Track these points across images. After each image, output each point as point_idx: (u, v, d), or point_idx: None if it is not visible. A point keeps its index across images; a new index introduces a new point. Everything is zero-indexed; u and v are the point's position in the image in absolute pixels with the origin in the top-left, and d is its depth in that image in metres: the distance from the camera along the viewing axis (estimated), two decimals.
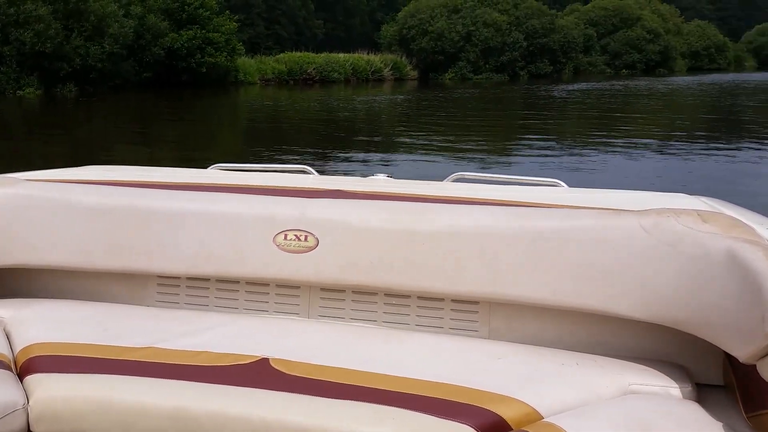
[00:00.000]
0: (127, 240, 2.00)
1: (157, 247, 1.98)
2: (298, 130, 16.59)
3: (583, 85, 35.23)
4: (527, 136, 13.99)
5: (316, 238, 1.89)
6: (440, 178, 2.59)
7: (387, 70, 41.39)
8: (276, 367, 1.62)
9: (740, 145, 12.05)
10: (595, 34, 54.83)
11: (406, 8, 47.94)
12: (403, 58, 43.88)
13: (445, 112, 20.99)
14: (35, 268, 2.08)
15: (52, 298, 2.11)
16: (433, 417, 1.42)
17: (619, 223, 1.70)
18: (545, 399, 1.50)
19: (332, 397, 1.50)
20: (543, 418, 1.45)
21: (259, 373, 1.59)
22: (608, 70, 54.57)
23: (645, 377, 1.61)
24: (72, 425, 1.54)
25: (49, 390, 1.57)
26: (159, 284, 2.07)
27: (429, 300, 1.89)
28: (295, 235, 1.90)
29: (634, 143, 12.46)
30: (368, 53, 42.31)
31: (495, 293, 1.78)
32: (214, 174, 2.53)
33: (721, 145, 12.03)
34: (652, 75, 52.42)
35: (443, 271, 1.81)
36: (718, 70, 66.28)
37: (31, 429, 1.56)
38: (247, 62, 35.41)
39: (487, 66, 45.31)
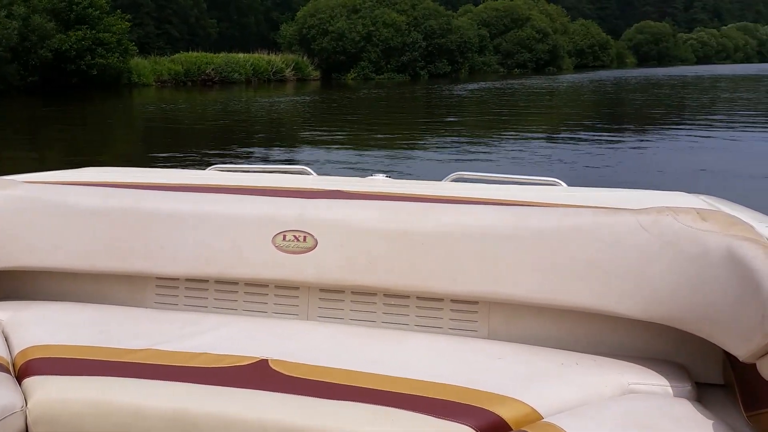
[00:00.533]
0: (126, 242, 1.98)
1: (156, 249, 1.96)
2: (197, 132, 15.93)
3: (482, 84, 36.18)
4: (435, 131, 14.52)
5: (315, 239, 1.88)
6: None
7: (289, 70, 40.81)
8: (275, 368, 1.61)
9: (622, 135, 13.28)
10: (488, 35, 56.42)
11: (305, 8, 47.51)
12: (305, 58, 43.42)
13: (356, 111, 20.94)
14: (34, 270, 2.06)
15: (50, 300, 2.09)
16: (432, 417, 1.42)
17: (618, 222, 1.69)
18: (545, 399, 1.49)
19: (332, 398, 1.49)
20: (542, 418, 1.45)
21: (258, 375, 1.59)
22: (501, 70, 56.40)
23: (644, 376, 1.60)
24: (70, 427, 1.53)
25: (48, 392, 1.56)
26: (158, 286, 2.06)
27: (428, 300, 1.88)
28: (294, 236, 1.89)
29: (526, 135, 13.54)
30: (269, 53, 41.54)
31: (494, 293, 1.77)
32: (212, 175, 2.51)
33: (605, 136, 13.31)
34: (542, 73, 54.57)
35: (442, 271, 1.80)
36: (602, 67, 70.02)
37: (30, 431, 1.55)
38: (141, 63, 33.92)
39: (389, 66, 45.70)
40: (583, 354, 1.72)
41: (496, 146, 12.19)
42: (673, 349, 1.74)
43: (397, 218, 1.86)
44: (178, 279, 2.04)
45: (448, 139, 13.38)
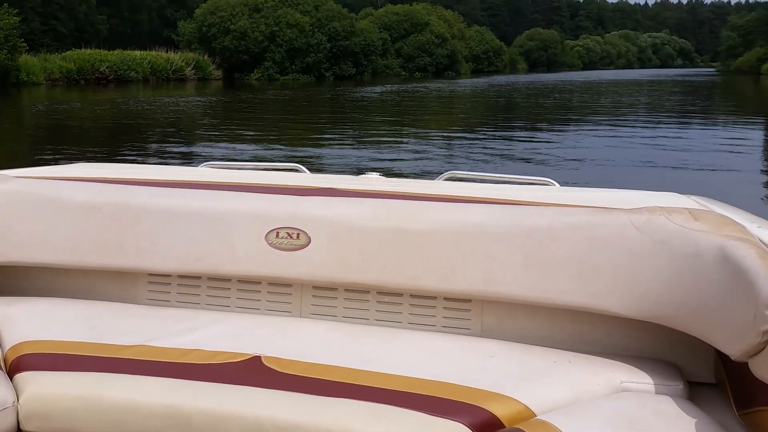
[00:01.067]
0: (117, 238, 1.96)
1: (148, 245, 1.95)
2: (91, 132, 15.16)
3: (388, 87, 36.54)
4: (344, 132, 14.76)
5: (308, 236, 1.87)
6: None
7: (189, 69, 39.54)
8: (268, 365, 1.61)
9: (513, 132, 14.68)
10: (390, 38, 56.96)
11: (204, 5, 46.13)
12: (206, 57, 42.15)
13: (266, 112, 20.59)
14: (25, 265, 2.04)
15: (41, 296, 2.07)
16: (427, 415, 1.42)
17: (611, 221, 1.70)
18: (538, 397, 1.50)
19: (326, 395, 1.48)
20: (535, 415, 1.46)
21: (251, 371, 1.59)
22: (403, 73, 57.14)
23: (636, 375, 1.61)
24: (62, 423, 1.52)
25: (40, 388, 1.55)
26: (150, 282, 2.05)
27: (421, 298, 1.88)
28: (287, 233, 1.88)
29: (427, 134, 14.56)
30: (167, 51, 40.04)
31: (487, 291, 1.77)
32: (204, 172, 2.50)
33: (501, 132, 14.86)
34: (442, 77, 55.74)
35: (436, 269, 1.79)
36: (497, 72, 72.47)
37: (21, 427, 1.54)
38: (30, 61, 31.90)
39: (294, 67, 45.23)
40: (575, 352, 1.73)
41: (407, 145, 12.75)
42: (665, 348, 1.75)
43: (390, 216, 1.85)
44: (170, 275, 2.01)
45: (358, 137, 13.72)
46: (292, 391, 1.50)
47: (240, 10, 44.40)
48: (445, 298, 1.86)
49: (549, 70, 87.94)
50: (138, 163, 9.86)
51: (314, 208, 1.91)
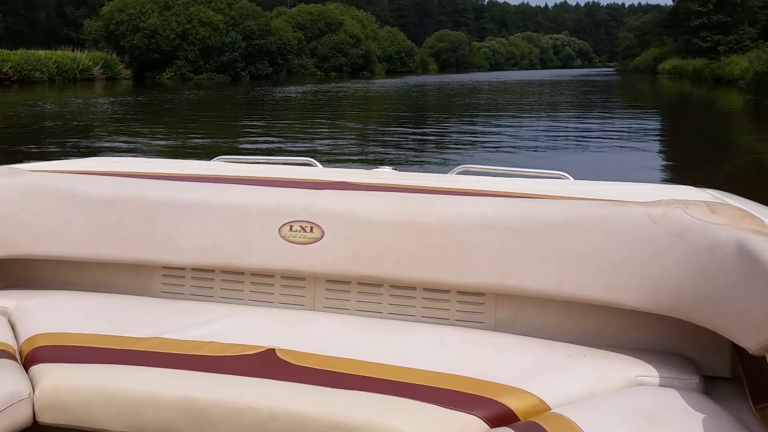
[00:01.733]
0: (132, 231, 1.97)
1: (163, 238, 1.95)
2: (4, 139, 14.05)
3: (308, 87, 36.21)
4: (260, 131, 14.80)
5: (322, 230, 1.87)
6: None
7: (97, 68, 37.78)
8: (283, 357, 1.61)
9: (425, 128, 15.70)
10: (304, 38, 56.56)
11: (111, 2, 44.18)
12: (114, 55, 40.42)
13: (180, 114, 19.78)
14: (40, 258, 2.05)
15: (56, 288, 2.08)
16: (441, 408, 1.42)
17: (627, 214, 1.68)
18: (552, 390, 1.50)
19: (340, 388, 1.49)
20: (550, 409, 1.46)
21: (266, 364, 1.59)
22: (318, 73, 56.92)
23: (652, 369, 1.61)
24: (78, 415, 1.53)
25: (55, 380, 1.55)
26: (164, 275, 2.05)
27: (435, 291, 1.87)
28: (301, 227, 1.88)
29: (350, 128, 15.39)
30: (73, 50, 38.12)
31: (501, 285, 1.77)
32: (218, 166, 2.50)
33: (414, 128, 15.73)
34: (358, 77, 55.81)
35: (449, 262, 1.80)
36: (410, 72, 73.31)
37: (37, 419, 1.54)
38: None
39: (208, 66, 44.12)
40: (590, 346, 1.72)
41: (317, 140, 13.14)
42: (681, 342, 1.74)
43: (404, 210, 1.85)
44: (184, 268, 2.02)
45: (281, 135, 13.89)
46: (306, 383, 1.50)
47: (150, 8, 42.82)
48: (459, 292, 1.85)
49: (458, 71, 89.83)
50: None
51: (328, 201, 1.91)
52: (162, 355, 1.63)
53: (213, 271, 2.00)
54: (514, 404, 1.44)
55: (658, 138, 14.51)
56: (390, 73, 69.08)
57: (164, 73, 42.66)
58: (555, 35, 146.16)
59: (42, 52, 35.09)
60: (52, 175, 2.08)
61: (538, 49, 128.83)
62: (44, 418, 1.54)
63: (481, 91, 33.70)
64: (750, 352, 1.40)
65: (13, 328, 1.83)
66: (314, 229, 1.87)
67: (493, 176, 2.43)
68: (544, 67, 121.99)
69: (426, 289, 1.87)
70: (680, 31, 48.55)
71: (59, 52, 36.75)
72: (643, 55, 70.74)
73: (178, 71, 42.91)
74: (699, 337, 1.70)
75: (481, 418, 1.40)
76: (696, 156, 11.63)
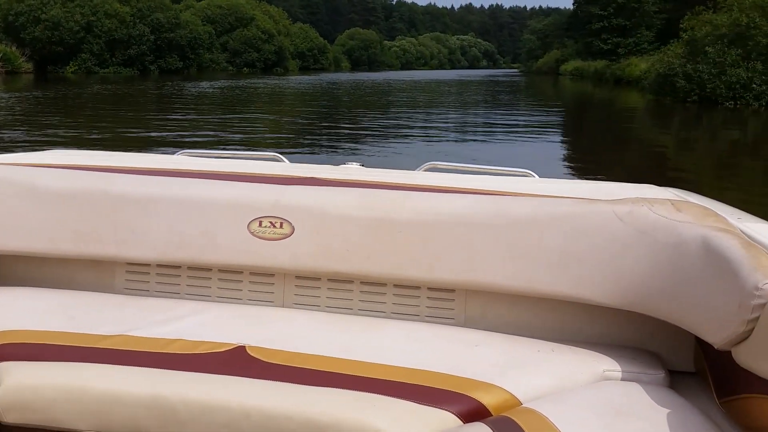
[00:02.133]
0: (94, 226, 1.93)
1: (127, 234, 1.92)
2: None
3: (222, 83, 35.41)
4: (176, 129, 14.45)
5: (292, 226, 1.87)
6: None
7: None
8: (253, 354, 1.60)
9: (339, 124, 15.75)
10: (214, 32, 55.35)
11: None
12: (14, 48, 38.20)
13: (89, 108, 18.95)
14: (0, 254, 1.99)
15: (16, 284, 2.03)
16: (414, 404, 1.44)
17: (594, 212, 1.71)
18: (523, 385, 1.52)
19: (312, 384, 1.49)
20: (521, 404, 1.49)
21: (236, 361, 1.58)
22: (230, 68, 55.82)
23: (618, 364, 1.64)
24: (43, 414, 1.49)
25: (18, 378, 1.51)
26: (128, 271, 2.01)
27: (405, 288, 1.89)
28: (270, 222, 1.87)
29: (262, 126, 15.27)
30: None
31: (471, 281, 1.80)
32: (182, 160, 2.46)
33: (329, 124, 15.92)
34: (271, 74, 55.12)
35: (419, 258, 1.81)
36: (322, 70, 73.04)
37: (1, 419, 1.51)
38: None
39: (114, 59, 42.42)
40: (558, 341, 1.75)
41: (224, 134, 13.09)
42: (647, 338, 1.78)
43: (374, 206, 1.86)
44: (149, 264, 1.98)
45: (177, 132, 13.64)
46: (278, 380, 1.50)
47: None
48: (429, 288, 1.87)
49: (370, 69, 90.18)
50: None
51: (298, 197, 1.90)
52: (128, 353, 1.60)
53: (179, 267, 1.97)
54: (486, 399, 1.46)
55: (564, 132, 15.63)
56: (303, 70, 68.62)
57: (68, 67, 40.68)
58: (462, 36, 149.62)
59: None
60: (9, 168, 2.03)
61: (446, 49, 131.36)
62: (8, 418, 1.50)
63: (399, 89, 34.13)
64: (715, 347, 1.42)
65: None
66: (284, 225, 1.86)
67: (461, 173, 2.46)
68: (452, 67, 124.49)
69: (396, 285, 1.88)
70: (581, 34, 50.77)
71: None
72: (545, 56, 73.43)
73: (83, 65, 41.03)
74: (664, 333, 1.74)
75: (455, 414, 1.42)
76: (600, 148, 12.60)
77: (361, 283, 1.89)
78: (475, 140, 13.07)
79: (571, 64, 57.08)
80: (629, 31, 44.16)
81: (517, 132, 14.39)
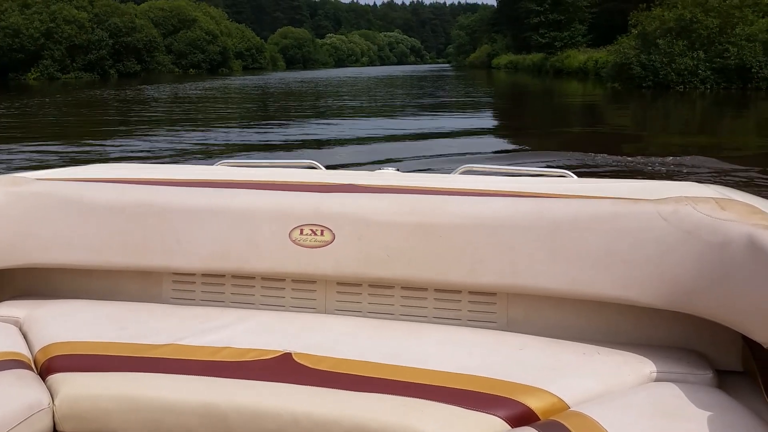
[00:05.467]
0: (141, 237, 2.00)
1: (173, 244, 1.99)
2: None
3: (189, 84, 35.40)
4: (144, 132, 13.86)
5: (333, 233, 1.91)
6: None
7: None
8: (299, 361, 1.64)
9: (279, 122, 15.82)
10: (159, 35, 55.65)
11: None
12: None
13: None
14: (49, 267, 2.08)
15: (65, 297, 2.11)
16: (461, 409, 1.44)
17: (637, 212, 1.71)
18: (570, 389, 1.51)
19: (359, 390, 1.52)
20: (569, 407, 1.47)
21: (283, 368, 1.61)
22: (177, 70, 56.01)
23: (665, 365, 1.63)
24: (99, 424, 1.54)
25: (74, 389, 1.57)
26: (174, 281, 2.08)
27: (446, 292, 1.91)
28: (311, 230, 1.92)
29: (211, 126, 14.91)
30: None
31: (513, 284, 1.80)
32: (222, 170, 2.51)
33: (273, 122, 15.72)
34: (217, 74, 55.52)
35: (460, 262, 1.83)
36: (261, 69, 73.47)
37: (57, 429, 1.56)
38: None
39: (75, 65, 42.73)
40: (603, 343, 1.75)
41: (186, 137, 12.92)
42: (693, 338, 1.77)
43: (414, 211, 1.89)
44: (194, 274, 2.05)
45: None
46: (324, 386, 1.53)
47: (8, 6, 40.69)
48: (470, 292, 1.88)
49: (305, 67, 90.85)
50: None
51: (338, 204, 1.94)
52: (179, 361, 1.64)
53: (223, 276, 2.02)
54: (534, 403, 1.46)
55: (517, 117, 17.64)
56: (245, 69, 69.32)
57: (29, 74, 40.78)
58: (389, 33, 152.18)
59: None
60: (59, 184, 2.09)
61: (375, 46, 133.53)
62: (64, 428, 1.54)
63: (352, 83, 35.22)
64: (764, 346, 1.42)
65: (25, 337, 1.84)
66: (325, 233, 1.90)
67: (497, 176, 2.48)
68: (382, 63, 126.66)
69: (437, 290, 1.90)
70: (514, 29, 54.03)
71: None
72: (478, 51, 76.48)
73: (45, 71, 41.19)
74: (711, 332, 1.74)
75: (502, 418, 1.42)
76: (563, 128, 14.10)
77: (402, 288, 1.92)
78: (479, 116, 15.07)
79: (504, 57, 59.61)
80: (564, 25, 47.75)
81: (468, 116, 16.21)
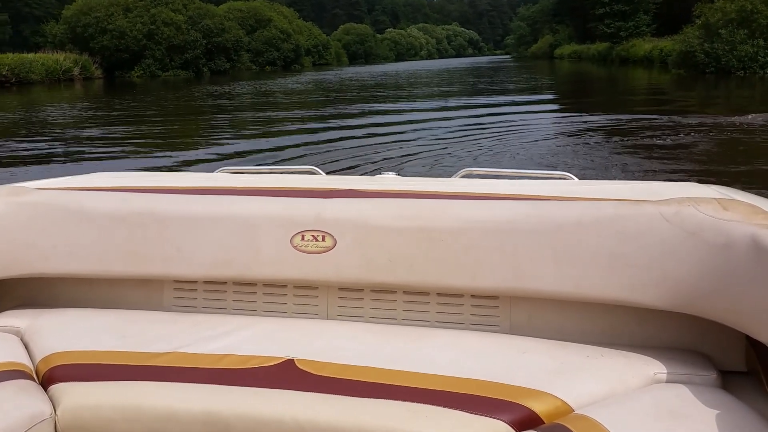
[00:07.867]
0: (142, 245, 2.00)
1: (174, 252, 1.99)
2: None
3: (282, 80, 37.82)
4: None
5: (334, 238, 1.91)
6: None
7: (77, 69, 39.99)
8: (302, 367, 1.63)
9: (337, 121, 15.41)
10: (244, 35, 59.15)
11: (71, 6, 46.06)
12: (87, 56, 42.59)
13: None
14: (50, 276, 2.07)
15: (67, 306, 2.11)
16: (466, 413, 1.44)
17: (640, 213, 1.70)
18: (574, 392, 1.51)
19: (363, 396, 1.52)
20: (574, 410, 1.47)
21: (286, 375, 1.60)
22: (254, 67, 58.98)
23: (669, 366, 1.63)
24: None
25: (76, 399, 1.56)
26: (176, 289, 2.08)
27: (449, 296, 1.91)
28: (313, 236, 1.92)
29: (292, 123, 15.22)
30: (35, 53, 39.90)
31: (515, 287, 1.80)
32: (223, 177, 2.54)
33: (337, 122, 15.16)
34: (290, 71, 57.80)
35: (462, 266, 1.83)
36: (327, 65, 76.42)
37: None
38: None
39: (173, 63, 46.83)
40: (606, 346, 1.74)
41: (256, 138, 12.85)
42: (697, 339, 1.77)
43: (415, 215, 1.89)
44: (196, 281, 2.04)
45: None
46: (328, 393, 1.53)
47: (114, 11, 45.16)
48: (473, 296, 1.88)
49: (367, 62, 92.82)
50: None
51: (339, 210, 1.94)
52: (181, 369, 1.63)
53: (225, 283, 2.03)
54: (538, 407, 1.46)
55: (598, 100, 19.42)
56: (313, 66, 72.52)
57: (133, 72, 45.11)
58: (446, 26, 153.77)
59: (30, 55, 37.01)
60: (59, 193, 2.09)
61: (434, 39, 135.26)
62: None
63: (434, 75, 37.10)
64: (767, 346, 1.43)
65: (26, 347, 1.84)
66: (326, 238, 1.90)
67: (497, 179, 2.48)
68: (441, 57, 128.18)
69: (440, 294, 1.90)
70: (581, 19, 55.70)
71: (41, 54, 38.67)
72: (540, 42, 77.82)
73: (147, 69, 45.47)
74: (714, 333, 1.74)
75: (507, 423, 1.42)
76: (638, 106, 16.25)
77: (404, 293, 1.92)
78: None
79: (567, 47, 60.91)
80: (629, 15, 49.49)
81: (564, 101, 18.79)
